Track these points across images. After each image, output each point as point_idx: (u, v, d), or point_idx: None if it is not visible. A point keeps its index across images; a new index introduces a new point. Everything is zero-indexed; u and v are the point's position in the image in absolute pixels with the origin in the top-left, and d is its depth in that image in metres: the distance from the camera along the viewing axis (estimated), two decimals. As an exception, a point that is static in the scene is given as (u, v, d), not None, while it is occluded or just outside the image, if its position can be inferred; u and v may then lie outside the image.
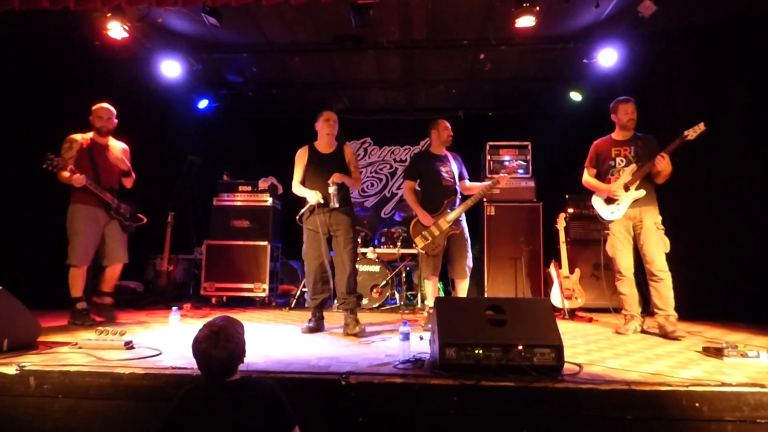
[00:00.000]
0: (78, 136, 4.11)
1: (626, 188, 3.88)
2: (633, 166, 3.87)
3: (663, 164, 3.71)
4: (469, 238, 4.22)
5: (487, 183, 4.22)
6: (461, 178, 4.33)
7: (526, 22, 4.74)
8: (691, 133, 3.64)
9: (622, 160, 3.96)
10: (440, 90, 7.03)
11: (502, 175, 4.23)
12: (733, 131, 4.66)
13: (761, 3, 4.47)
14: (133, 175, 4.39)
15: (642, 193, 3.83)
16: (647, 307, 4.05)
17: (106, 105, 4.21)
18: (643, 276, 3.92)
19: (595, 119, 6.77)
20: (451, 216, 4.07)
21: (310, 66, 6.44)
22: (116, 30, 4.85)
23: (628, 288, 3.91)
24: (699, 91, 4.89)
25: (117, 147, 4.32)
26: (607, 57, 5.45)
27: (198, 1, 4.29)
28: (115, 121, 4.24)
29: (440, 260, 4.18)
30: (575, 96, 6.66)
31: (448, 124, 4.32)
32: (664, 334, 3.64)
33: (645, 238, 3.81)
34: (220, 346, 1.85)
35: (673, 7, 4.61)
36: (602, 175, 4.07)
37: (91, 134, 4.18)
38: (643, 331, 3.89)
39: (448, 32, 5.53)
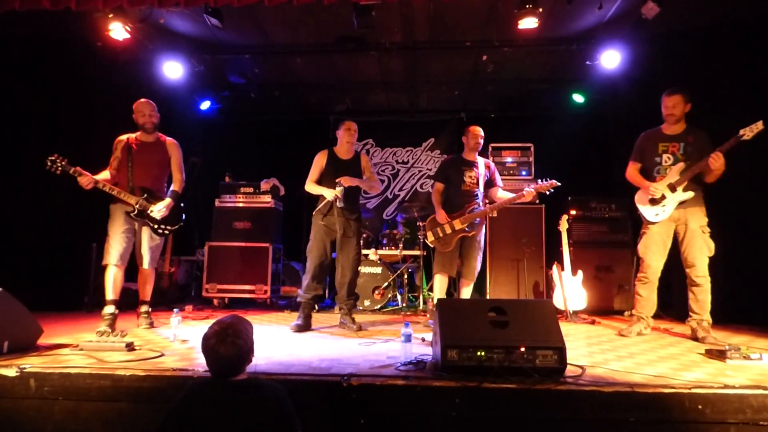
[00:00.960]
0: (124, 136, 4.01)
1: (673, 189, 3.62)
2: (681, 165, 3.62)
3: (718, 164, 3.43)
4: (483, 245, 4.34)
5: (512, 195, 4.25)
6: (491, 185, 4.44)
7: (528, 23, 4.73)
8: (748, 133, 3.38)
9: (669, 157, 3.70)
10: (443, 91, 7.02)
11: (528, 190, 4.13)
12: (734, 133, 4.63)
13: (765, 5, 4.45)
14: (181, 176, 4.11)
15: (690, 194, 3.59)
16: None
17: (145, 100, 4.04)
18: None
19: (598, 121, 6.80)
20: (467, 219, 4.19)
21: (313, 67, 6.45)
22: (118, 31, 4.86)
23: (647, 291, 3.78)
24: (703, 93, 4.85)
25: (167, 146, 4.10)
26: (610, 59, 5.45)
27: (200, 2, 4.30)
28: (158, 114, 4.06)
29: (452, 259, 4.26)
30: (578, 98, 6.66)
31: (478, 131, 4.40)
32: (695, 338, 3.57)
33: (689, 242, 3.62)
34: (228, 342, 1.85)
35: (676, 9, 4.60)
36: (647, 172, 3.81)
37: (138, 133, 4.05)
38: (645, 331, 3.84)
39: (450, 34, 5.54)
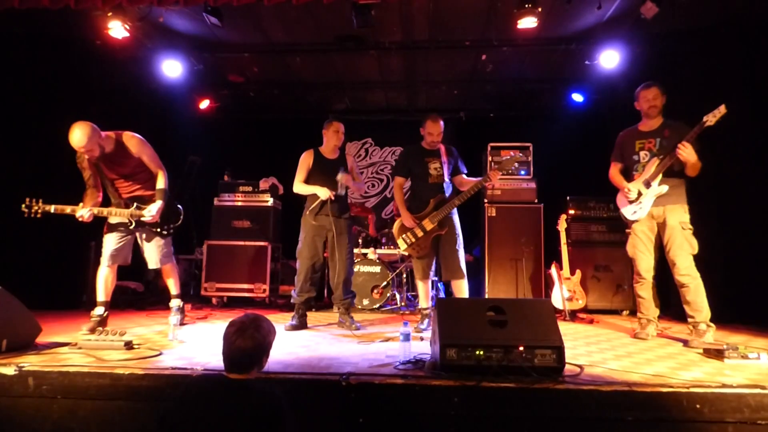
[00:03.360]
0: (82, 156, 3.62)
1: (647, 184, 3.58)
2: (656, 160, 3.56)
3: (685, 154, 3.37)
4: (461, 234, 4.01)
5: (478, 179, 3.97)
6: (456, 172, 4.13)
7: (528, 23, 4.73)
8: (711, 118, 3.33)
9: (646, 154, 3.65)
10: (442, 91, 7.03)
11: (492, 171, 3.93)
12: (734, 133, 4.64)
13: (763, 4, 4.46)
14: (159, 169, 3.81)
15: (664, 189, 3.52)
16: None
17: (77, 140, 3.47)
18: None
19: (597, 121, 6.80)
20: (436, 216, 3.89)
21: (312, 66, 6.44)
22: (117, 29, 4.84)
23: (646, 291, 3.73)
24: (701, 93, 4.87)
25: (126, 145, 3.69)
26: (609, 58, 5.45)
27: (199, 1, 4.30)
28: (96, 145, 3.52)
29: (430, 262, 4.05)
30: (577, 97, 6.67)
31: (434, 129, 3.99)
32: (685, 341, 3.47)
33: (669, 239, 3.54)
34: (247, 335, 1.88)
35: (675, 9, 4.60)
36: (627, 171, 3.77)
37: None
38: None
39: (449, 33, 5.53)
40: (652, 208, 3.61)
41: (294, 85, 6.95)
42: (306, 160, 4.17)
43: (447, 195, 4.03)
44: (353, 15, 4.60)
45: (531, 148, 5.81)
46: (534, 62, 6.15)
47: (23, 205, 3.49)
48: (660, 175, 3.55)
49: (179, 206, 4.05)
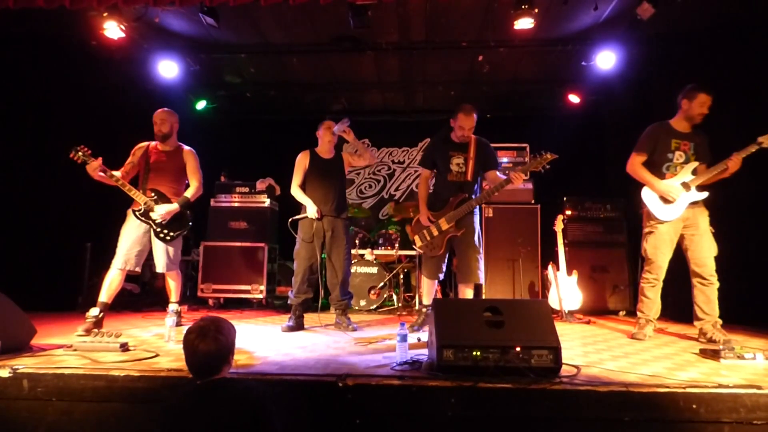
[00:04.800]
0: (145, 143, 4.03)
1: (687, 188, 3.57)
2: (693, 164, 3.59)
3: (738, 166, 3.44)
4: (480, 237, 3.88)
5: (502, 179, 3.72)
6: (487, 167, 3.90)
7: (524, 24, 4.74)
8: (765, 140, 3.41)
9: (681, 155, 3.62)
10: (439, 91, 7.02)
11: (514, 173, 3.63)
12: (730, 135, 4.65)
13: (759, 6, 4.47)
14: (197, 183, 4.07)
15: (705, 195, 3.57)
16: (661, 310, 3.92)
17: (160, 110, 4.02)
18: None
19: (594, 122, 6.82)
20: (453, 217, 3.77)
21: (309, 67, 6.44)
22: (113, 30, 4.83)
23: (655, 293, 3.70)
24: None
25: (183, 154, 4.08)
26: (606, 59, 5.47)
27: (195, 1, 4.29)
28: (171, 124, 4.00)
29: (442, 262, 3.92)
30: (573, 98, 6.68)
31: (465, 123, 3.78)
32: (710, 340, 3.47)
33: (699, 241, 3.56)
34: (209, 338, 1.85)
35: (671, 10, 4.61)
36: (654, 166, 3.68)
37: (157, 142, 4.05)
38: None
39: (446, 34, 5.54)
40: (685, 211, 3.60)
41: (291, 86, 6.95)
42: (302, 162, 4.17)
43: (470, 194, 3.84)
44: (350, 15, 4.60)
45: (527, 149, 5.81)
46: (530, 63, 6.16)
47: (72, 150, 3.63)
48: (700, 182, 3.57)
49: (190, 222, 4.06)
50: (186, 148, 4.14)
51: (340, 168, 4.19)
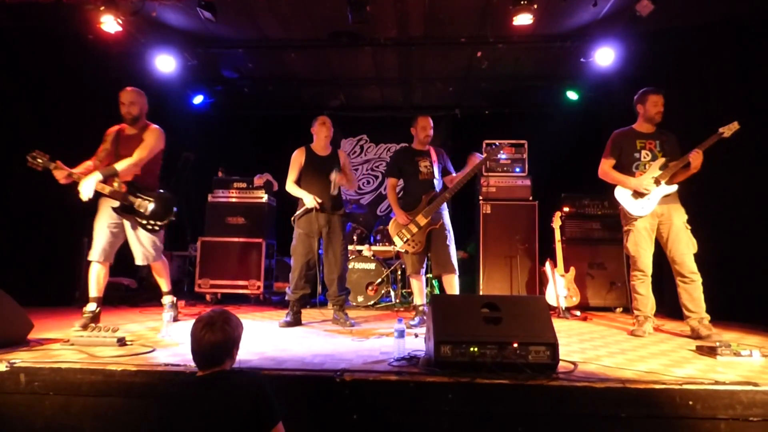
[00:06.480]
0: (117, 126, 3.81)
1: (657, 182, 3.68)
2: (661, 160, 3.70)
3: (698, 160, 3.55)
4: (451, 230, 4.12)
5: (467, 170, 4.02)
6: (446, 173, 4.23)
7: (523, 20, 4.74)
8: (726, 131, 3.55)
9: (647, 154, 3.77)
10: (437, 87, 7.01)
11: (477, 156, 4.03)
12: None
13: (759, 3, 4.47)
14: (136, 159, 3.64)
15: (675, 188, 3.68)
16: (658, 307, 3.94)
17: (127, 89, 3.80)
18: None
19: (592, 118, 6.81)
20: (429, 211, 3.99)
21: (307, 62, 6.42)
22: (110, 23, 4.79)
23: (646, 288, 3.75)
24: (696, 91, 4.90)
25: (145, 133, 3.80)
26: (605, 56, 5.46)
27: (193, -5, 4.26)
28: (140, 104, 3.80)
29: (423, 257, 4.15)
30: (572, 95, 6.69)
31: (426, 123, 4.21)
32: (698, 337, 3.49)
33: (675, 238, 3.63)
34: (216, 328, 1.87)
35: (670, 7, 4.61)
36: (624, 168, 3.84)
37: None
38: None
39: (445, 30, 5.52)
40: (657, 206, 3.69)
41: (288, 81, 6.93)
42: (298, 158, 4.17)
43: (437, 192, 4.11)
44: (348, 10, 4.59)
45: (526, 146, 5.81)
46: (529, 59, 6.15)
47: (29, 156, 3.43)
48: (668, 176, 3.66)
49: (175, 208, 3.88)
50: (153, 126, 3.89)
51: (336, 165, 4.17)
